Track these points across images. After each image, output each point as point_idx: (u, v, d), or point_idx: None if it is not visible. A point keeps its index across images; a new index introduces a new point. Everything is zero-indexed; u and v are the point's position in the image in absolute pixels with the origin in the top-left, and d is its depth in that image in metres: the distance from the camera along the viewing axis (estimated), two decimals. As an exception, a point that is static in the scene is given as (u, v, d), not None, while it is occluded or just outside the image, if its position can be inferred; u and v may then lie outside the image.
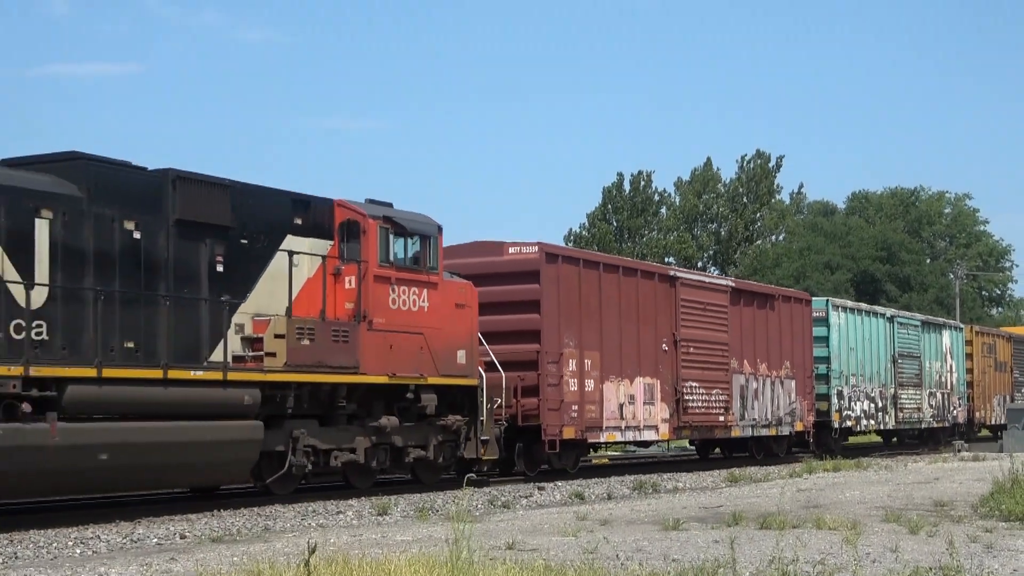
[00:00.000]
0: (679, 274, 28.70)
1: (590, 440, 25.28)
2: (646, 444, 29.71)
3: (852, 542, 12.30)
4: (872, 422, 36.42)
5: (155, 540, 14.37)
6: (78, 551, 13.48)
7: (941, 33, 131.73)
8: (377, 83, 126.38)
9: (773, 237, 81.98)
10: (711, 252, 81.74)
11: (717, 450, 32.73)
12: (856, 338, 35.48)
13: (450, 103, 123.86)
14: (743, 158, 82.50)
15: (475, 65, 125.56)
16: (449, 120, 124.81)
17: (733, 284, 30.68)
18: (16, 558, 12.75)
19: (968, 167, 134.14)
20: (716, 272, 75.45)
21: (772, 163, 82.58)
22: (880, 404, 36.74)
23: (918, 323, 40.38)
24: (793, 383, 32.10)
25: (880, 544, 12.94)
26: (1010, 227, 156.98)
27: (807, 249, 73.12)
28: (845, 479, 24.81)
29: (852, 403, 35.11)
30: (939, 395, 41.17)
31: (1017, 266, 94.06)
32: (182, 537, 14.61)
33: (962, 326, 44.95)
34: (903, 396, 37.99)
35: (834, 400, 34.02)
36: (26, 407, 14.79)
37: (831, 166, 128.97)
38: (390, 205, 20.61)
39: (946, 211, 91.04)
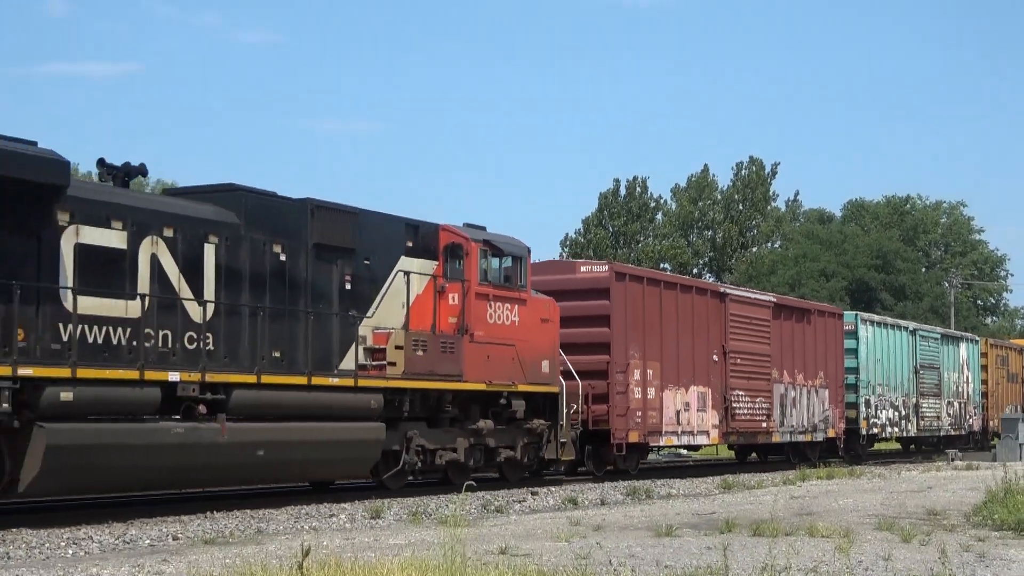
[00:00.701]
0: (729, 290, 30.97)
1: (651, 444, 27.48)
2: (695, 448, 31.65)
3: (845, 550, 12.30)
4: (896, 429, 38.34)
5: (148, 541, 14.32)
6: (70, 551, 13.44)
7: (938, 42, 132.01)
8: (374, 86, 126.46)
9: (768, 244, 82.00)
10: (706, 259, 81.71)
11: (754, 455, 34.55)
12: (882, 350, 37.54)
13: (447, 106, 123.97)
14: (739, 165, 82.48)
15: (472, 68, 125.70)
16: (446, 124, 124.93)
17: (775, 300, 32.81)
18: (8, 558, 12.73)
19: (965, 177, 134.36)
20: (712, 279, 75.53)
21: (767, 170, 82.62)
22: (903, 412, 38.72)
23: (938, 336, 42.38)
24: (826, 392, 34.17)
25: (873, 552, 12.93)
26: (1006, 237, 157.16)
27: (802, 257, 73.11)
28: (838, 487, 24.84)
29: (878, 411, 37.08)
30: (956, 404, 42.99)
31: (1012, 275, 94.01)
32: (175, 539, 14.57)
33: (978, 339, 46.82)
34: (924, 405, 39.98)
35: (862, 408, 35.96)
36: (202, 409, 16.90)
37: (827, 174, 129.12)
38: (484, 228, 22.68)
39: (942, 220, 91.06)
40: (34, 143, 15.46)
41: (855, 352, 35.83)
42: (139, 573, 11.35)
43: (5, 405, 14.58)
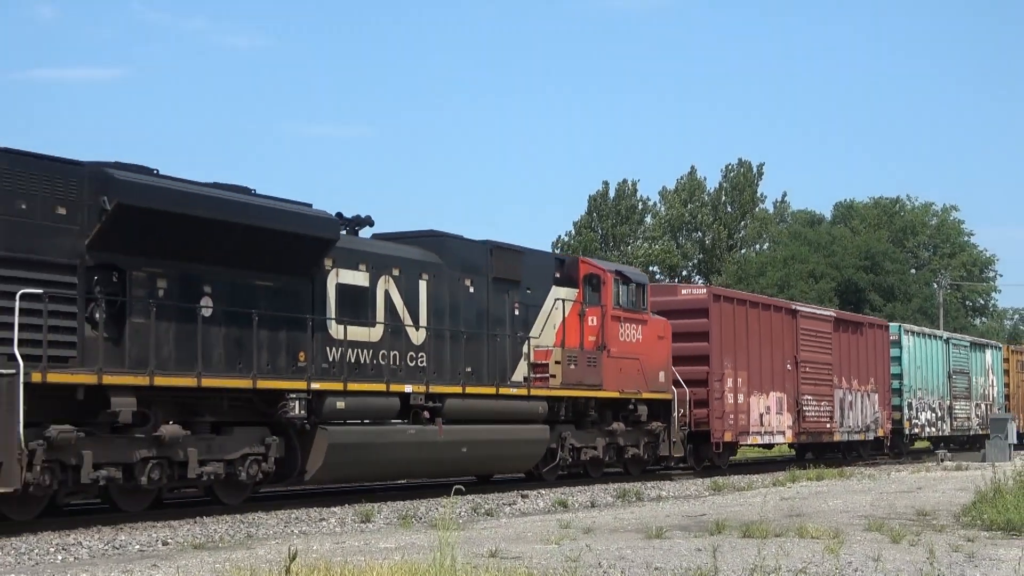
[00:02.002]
0: (799, 308, 35.00)
1: (740, 443, 31.19)
2: (769, 447, 35.01)
3: (834, 551, 12.32)
4: (933, 429, 42.24)
5: (137, 547, 14.32)
6: (59, 557, 13.43)
7: (927, 43, 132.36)
8: (363, 90, 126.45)
9: (757, 246, 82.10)
10: (695, 261, 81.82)
11: (809, 453, 37.07)
12: (921, 358, 41.59)
13: (437, 111, 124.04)
14: (727, 167, 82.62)
15: (462, 72, 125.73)
16: (435, 128, 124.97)
17: (835, 315, 37.05)
18: (-3, 564, 12.70)
19: (954, 178, 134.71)
20: (701, 281, 75.68)
21: (754, 171, 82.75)
22: (939, 414, 42.60)
23: (967, 344, 46.63)
24: (876, 396, 38.05)
25: (862, 553, 12.96)
26: (995, 238, 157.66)
27: (791, 258, 73.21)
28: (828, 488, 24.96)
29: (919, 413, 40.94)
30: (983, 406, 46.66)
31: (1001, 276, 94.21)
32: (164, 544, 14.56)
33: (1000, 345, 51.52)
34: (957, 407, 43.83)
35: (905, 410, 39.94)
36: (426, 414, 21.13)
37: (816, 176, 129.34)
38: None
39: (931, 221, 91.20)
40: (309, 204, 19.41)
41: (899, 360, 39.88)
42: (128, 578, 11.32)
43: (302, 412, 18.61)
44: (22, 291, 15.12)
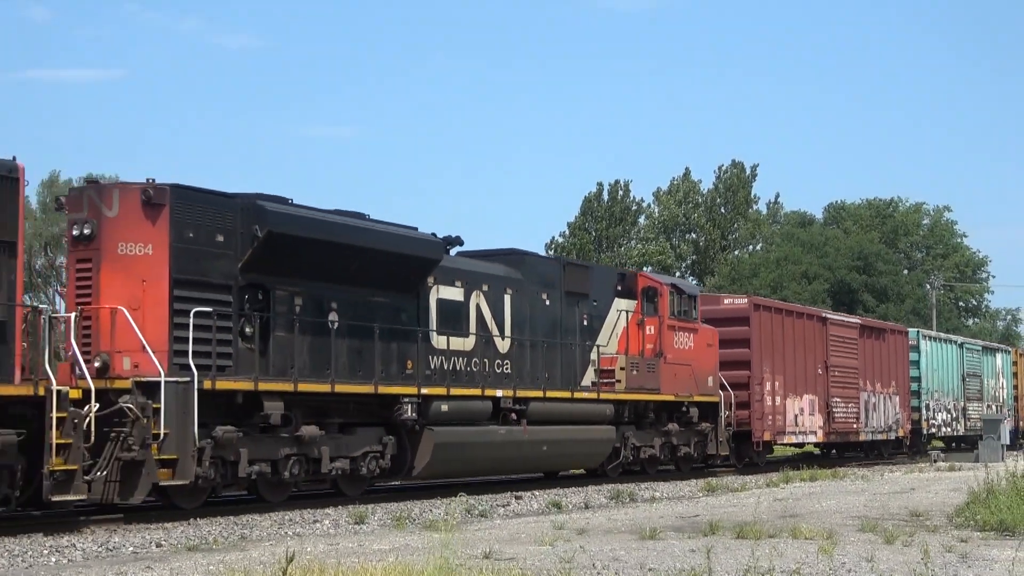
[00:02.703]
0: (829, 316, 37.78)
1: (777, 442, 33.74)
2: (801, 446, 37.51)
3: (828, 552, 12.40)
4: (948, 429, 44.73)
5: (131, 548, 14.36)
6: (53, 559, 13.47)
7: (920, 44, 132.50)
8: (358, 91, 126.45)
9: (750, 247, 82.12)
10: (689, 262, 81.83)
11: (833, 451, 40.02)
12: (938, 361, 43.99)
13: (431, 111, 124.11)
14: (720, 168, 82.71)
15: (456, 73, 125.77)
16: (429, 128, 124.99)
17: (860, 322, 39.89)
18: (-10, 566, 12.70)
19: (947, 179, 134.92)
20: (694, 282, 75.71)
21: (748, 172, 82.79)
22: (954, 415, 45.06)
23: (979, 348, 49.38)
24: (897, 398, 40.59)
25: (856, 554, 13.04)
26: (988, 239, 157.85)
27: (784, 259, 73.30)
28: (822, 489, 25.09)
29: (935, 414, 43.35)
30: (994, 407, 48.72)
31: (994, 277, 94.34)
32: (158, 546, 14.61)
33: (1009, 349, 54.49)
34: (970, 408, 46.13)
35: (923, 412, 42.30)
36: (513, 416, 23.61)
37: (808, 177, 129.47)
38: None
39: (924, 222, 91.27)
40: (415, 228, 21.91)
41: (917, 364, 42.25)
42: (121, 581, 11.31)
43: (413, 414, 21.07)
44: (195, 309, 17.63)
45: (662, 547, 13.82)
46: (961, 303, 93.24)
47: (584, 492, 23.82)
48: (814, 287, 71.71)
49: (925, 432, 42.67)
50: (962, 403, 45.70)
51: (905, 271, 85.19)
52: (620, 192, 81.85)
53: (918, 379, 42.18)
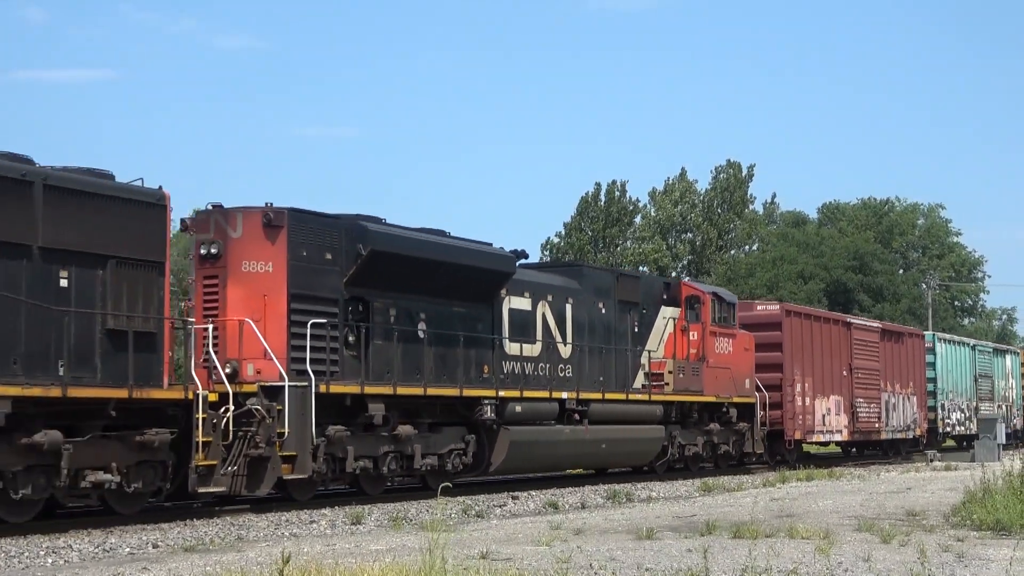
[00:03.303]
0: (853, 320, 40.35)
1: (807, 440, 36.06)
2: (825, 444, 39.46)
3: (825, 551, 12.43)
4: (962, 428, 47.19)
5: (127, 549, 14.38)
6: (50, 560, 13.50)
7: (915, 45, 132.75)
8: (353, 91, 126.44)
9: (747, 247, 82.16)
10: (685, 262, 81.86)
11: (853, 449, 42.19)
12: (952, 363, 46.58)
13: (427, 111, 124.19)
14: (716, 168, 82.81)
15: (452, 73, 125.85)
16: (425, 128, 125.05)
17: (881, 326, 42.18)
18: (-13, 567, 12.70)
19: (941, 179, 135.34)
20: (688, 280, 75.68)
21: (744, 172, 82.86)
22: (967, 414, 47.57)
23: (990, 349, 52.40)
24: (915, 398, 42.93)
25: (852, 553, 13.09)
26: (983, 238, 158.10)
27: (780, 259, 73.38)
28: (818, 488, 25.20)
29: (950, 413, 45.87)
30: (1004, 407, 51.45)
31: (990, 276, 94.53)
32: (155, 546, 14.65)
33: (1019, 351, 57.05)
34: (982, 407, 48.47)
35: (939, 411, 44.79)
36: (576, 416, 25.81)
37: (804, 177, 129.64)
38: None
39: (919, 222, 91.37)
40: (490, 244, 24.32)
41: (933, 365, 44.76)
42: (118, 581, 11.31)
43: (492, 415, 23.33)
44: (311, 321, 19.85)
45: (659, 547, 13.89)
46: (957, 303, 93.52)
47: (581, 492, 23.97)
48: (810, 287, 71.99)
49: (941, 431, 45.29)
50: (974, 403, 48.10)
51: (901, 271, 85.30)
52: (617, 192, 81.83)
53: (934, 380, 44.63)
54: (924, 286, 79.41)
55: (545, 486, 25.20)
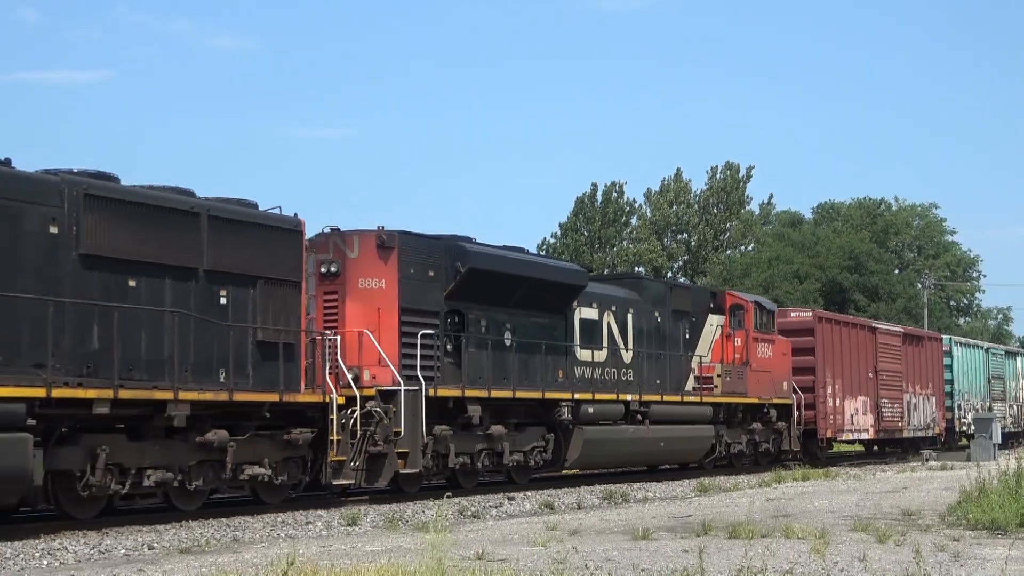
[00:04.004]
0: (878, 326, 42.79)
1: (837, 438, 38.82)
2: (852, 442, 42.08)
3: (820, 551, 12.45)
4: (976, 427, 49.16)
5: (123, 551, 14.42)
6: (45, 562, 13.54)
7: (911, 45, 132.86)
8: (349, 92, 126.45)
9: (742, 247, 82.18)
10: (681, 262, 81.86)
11: (875, 447, 44.63)
12: (967, 365, 49.46)
13: (423, 112, 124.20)
14: (713, 169, 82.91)
15: (448, 73, 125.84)
16: (422, 129, 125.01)
17: (903, 330, 44.83)
18: (-18, 569, 12.70)
19: (937, 179, 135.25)
20: (685, 281, 75.76)
21: (742, 173, 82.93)
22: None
23: (1002, 352, 55.50)
24: (934, 399, 45.77)
25: (848, 553, 13.15)
26: (979, 238, 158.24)
27: (776, 259, 73.44)
28: (814, 488, 25.33)
29: (965, 413, 48.14)
30: (1015, 407, 54.69)
31: (985, 276, 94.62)
32: (150, 548, 14.67)
33: None
34: (995, 408, 50.77)
35: (955, 411, 47.59)
36: (638, 417, 28.39)
37: (800, 177, 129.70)
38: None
39: (914, 222, 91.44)
40: (567, 260, 27.34)
41: (950, 367, 47.69)
42: (114, 583, 11.30)
43: (568, 415, 25.93)
44: (421, 332, 22.54)
45: (655, 547, 13.96)
46: (952, 302, 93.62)
47: (577, 493, 24.02)
48: (805, 287, 72.07)
49: (957, 430, 47.88)
50: (988, 403, 50.73)
51: (896, 270, 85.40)
52: (615, 193, 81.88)
53: (951, 381, 47.57)
54: (920, 286, 79.49)
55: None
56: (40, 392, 15.80)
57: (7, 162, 16.42)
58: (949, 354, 47.59)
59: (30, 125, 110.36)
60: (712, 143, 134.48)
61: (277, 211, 20.02)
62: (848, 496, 22.65)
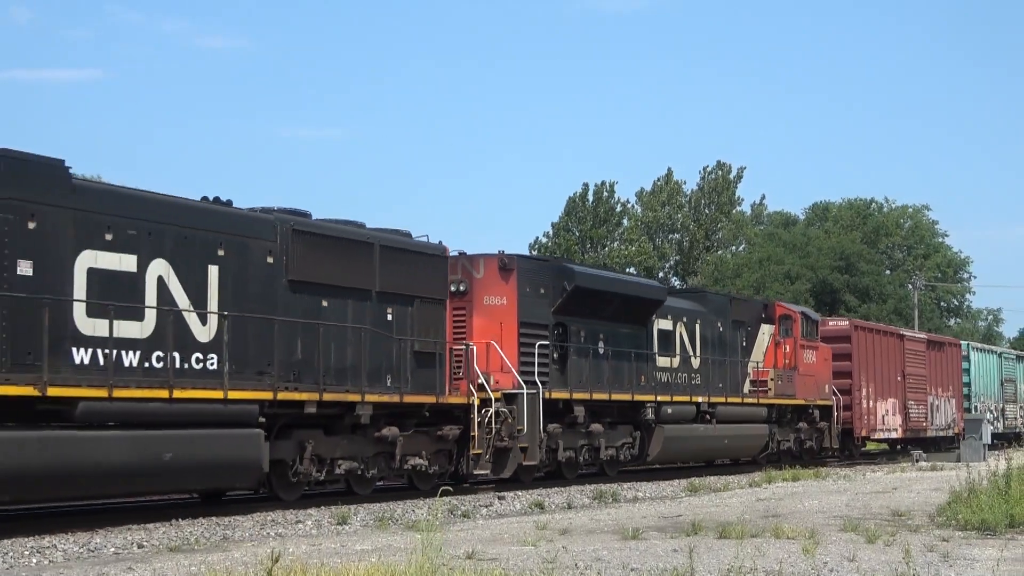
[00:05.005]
0: (905, 333, 47.13)
1: (871, 437, 42.76)
2: (882, 441, 45.70)
3: (810, 551, 12.49)
4: (992, 427, 51.37)
5: (112, 549, 14.42)
6: (34, 560, 13.55)
7: (903, 47, 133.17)
8: (340, 92, 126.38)
9: (734, 248, 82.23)
10: (672, 262, 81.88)
11: (899, 446, 47.50)
12: (983, 369, 53.59)
13: (415, 112, 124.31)
14: (705, 169, 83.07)
15: (440, 74, 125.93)
16: (414, 129, 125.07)
17: (927, 337, 49.48)
18: (-29, 567, 12.67)
19: (928, 180, 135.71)
20: (677, 282, 75.88)
21: (733, 174, 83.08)
22: (995, 414, 53.98)
23: (1014, 356, 59.58)
24: (953, 401, 49.64)
25: (838, 553, 13.21)
26: (969, 239, 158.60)
27: (767, 259, 73.55)
28: (804, 488, 25.47)
29: (982, 414, 50.73)
30: None
31: (975, 277, 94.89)
32: (139, 546, 14.70)
33: None
34: (1007, 409, 55.92)
35: (972, 412, 50.49)
36: (707, 416, 32.11)
37: (792, 177, 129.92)
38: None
39: (905, 223, 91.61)
40: (645, 277, 31.28)
41: (968, 371, 51.46)
42: (103, 581, 11.28)
43: (652, 415, 29.64)
44: (539, 342, 26.29)
45: (645, 547, 14.01)
46: (943, 303, 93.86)
47: (567, 492, 24.03)
48: (796, 287, 72.22)
49: None
50: (1001, 404, 55.11)
51: (887, 271, 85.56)
52: (605, 193, 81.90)
53: (968, 384, 51.33)
54: (910, 286, 79.65)
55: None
56: (268, 395, 19.54)
57: (229, 203, 19.95)
58: (967, 359, 51.29)
59: (21, 123, 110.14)
60: (704, 143, 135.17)
61: (425, 239, 23.67)
62: (838, 496, 22.85)
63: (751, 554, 11.86)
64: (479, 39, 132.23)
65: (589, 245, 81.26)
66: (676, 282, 75.73)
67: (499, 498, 22.84)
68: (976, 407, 51.09)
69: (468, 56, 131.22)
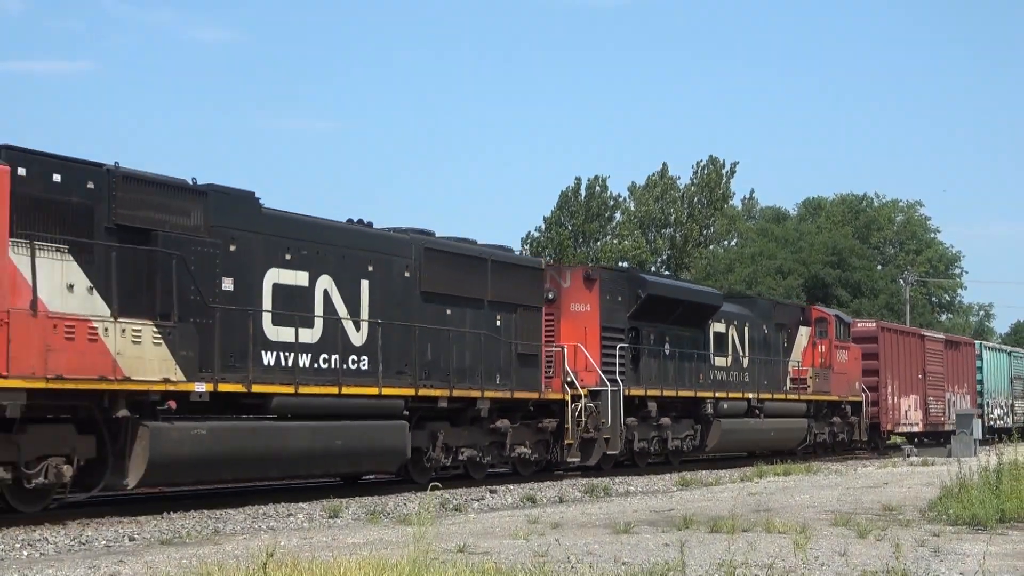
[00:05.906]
0: (925, 333, 51.12)
1: (895, 431, 46.70)
2: (904, 435, 48.98)
3: (801, 546, 12.50)
4: (1002, 422, 57.17)
5: (103, 542, 14.45)
6: (25, 553, 13.59)
7: (895, 42, 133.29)
8: (332, 85, 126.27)
9: (726, 243, 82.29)
10: (664, 257, 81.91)
11: (916, 439, 50.08)
12: (995, 367, 57.45)
13: (407, 105, 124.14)
14: (698, 164, 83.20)
15: (431, 68, 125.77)
16: (406, 123, 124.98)
17: (945, 337, 53.38)
18: (-37, 560, 12.65)
19: (920, 175, 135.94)
20: (668, 275, 75.71)
21: (726, 168, 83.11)
22: (1005, 410, 58.30)
23: (1023, 355, 63.94)
24: (968, 397, 53.24)
25: (829, 548, 13.28)
26: (960, 235, 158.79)
27: (759, 254, 73.68)
28: (795, 483, 25.64)
29: (993, 409, 56.19)
30: None
31: (967, 273, 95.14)
32: (131, 539, 14.75)
33: None
34: (1017, 404, 59.88)
35: (984, 408, 54.38)
36: (756, 411, 35.66)
37: (784, 172, 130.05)
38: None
39: (897, 218, 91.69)
40: (705, 285, 33.58)
41: (981, 369, 55.22)
42: (95, 574, 11.46)
43: (710, 410, 33.04)
44: (619, 345, 29.75)
45: (636, 541, 14.07)
46: (934, 299, 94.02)
47: (559, 486, 24.10)
48: (788, 282, 72.47)
49: (986, 424, 53.80)
50: (1011, 400, 58.96)
51: (879, 266, 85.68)
52: (598, 187, 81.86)
53: (981, 382, 54.84)
54: (902, 282, 79.81)
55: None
56: (411, 391, 23.09)
57: (370, 224, 23.23)
58: (980, 357, 55.06)
59: (13, 115, 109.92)
60: (696, 138, 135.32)
61: (524, 253, 28.94)
62: (829, 491, 23.00)
63: (742, 548, 12.01)
64: (471, 33, 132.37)
65: (581, 239, 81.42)
66: (668, 275, 75.69)
67: (491, 492, 23.37)
68: (987, 403, 54.62)
69: (460, 50, 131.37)
